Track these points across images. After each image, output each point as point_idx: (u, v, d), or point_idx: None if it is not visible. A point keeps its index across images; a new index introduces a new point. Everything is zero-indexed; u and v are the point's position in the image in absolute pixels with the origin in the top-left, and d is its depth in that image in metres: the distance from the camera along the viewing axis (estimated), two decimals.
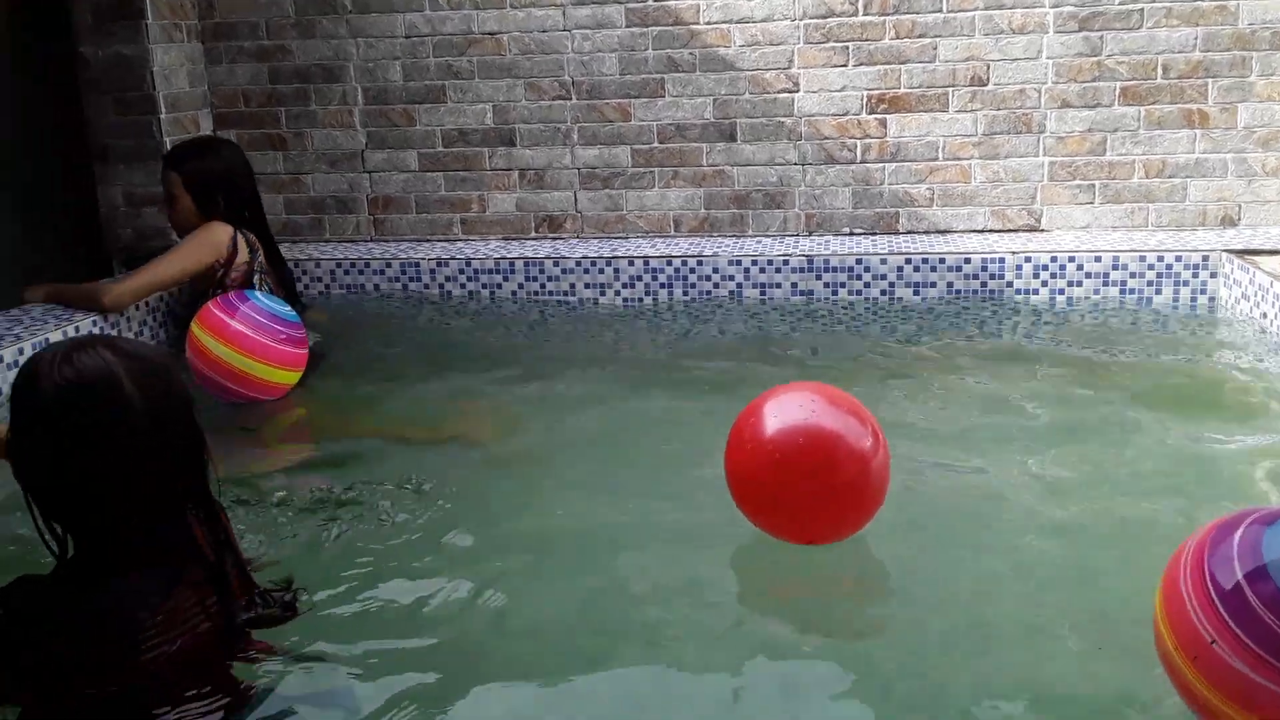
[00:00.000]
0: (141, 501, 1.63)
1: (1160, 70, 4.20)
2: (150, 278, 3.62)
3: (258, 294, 3.25)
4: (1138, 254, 4.04)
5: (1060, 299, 4.07)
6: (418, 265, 4.48)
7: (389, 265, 4.50)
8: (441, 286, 4.47)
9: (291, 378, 3.24)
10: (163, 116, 4.45)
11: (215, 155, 3.72)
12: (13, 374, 3.19)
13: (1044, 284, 4.10)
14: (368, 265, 4.52)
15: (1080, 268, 4.08)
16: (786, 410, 2.14)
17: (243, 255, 3.63)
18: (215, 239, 3.61)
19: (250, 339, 3.15)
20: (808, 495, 2.11)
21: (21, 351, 3.33)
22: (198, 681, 1.68)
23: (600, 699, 1.95)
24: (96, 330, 3.65)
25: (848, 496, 2.14)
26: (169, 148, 4.42)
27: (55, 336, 3.48)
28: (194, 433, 1.70)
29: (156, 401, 1.62)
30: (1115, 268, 4.05)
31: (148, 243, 4.53)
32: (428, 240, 4.75)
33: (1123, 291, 4.06)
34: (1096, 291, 4.06)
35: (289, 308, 3.29)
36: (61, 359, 1.60)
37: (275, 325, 3.20)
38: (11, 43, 4.09)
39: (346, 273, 4.52)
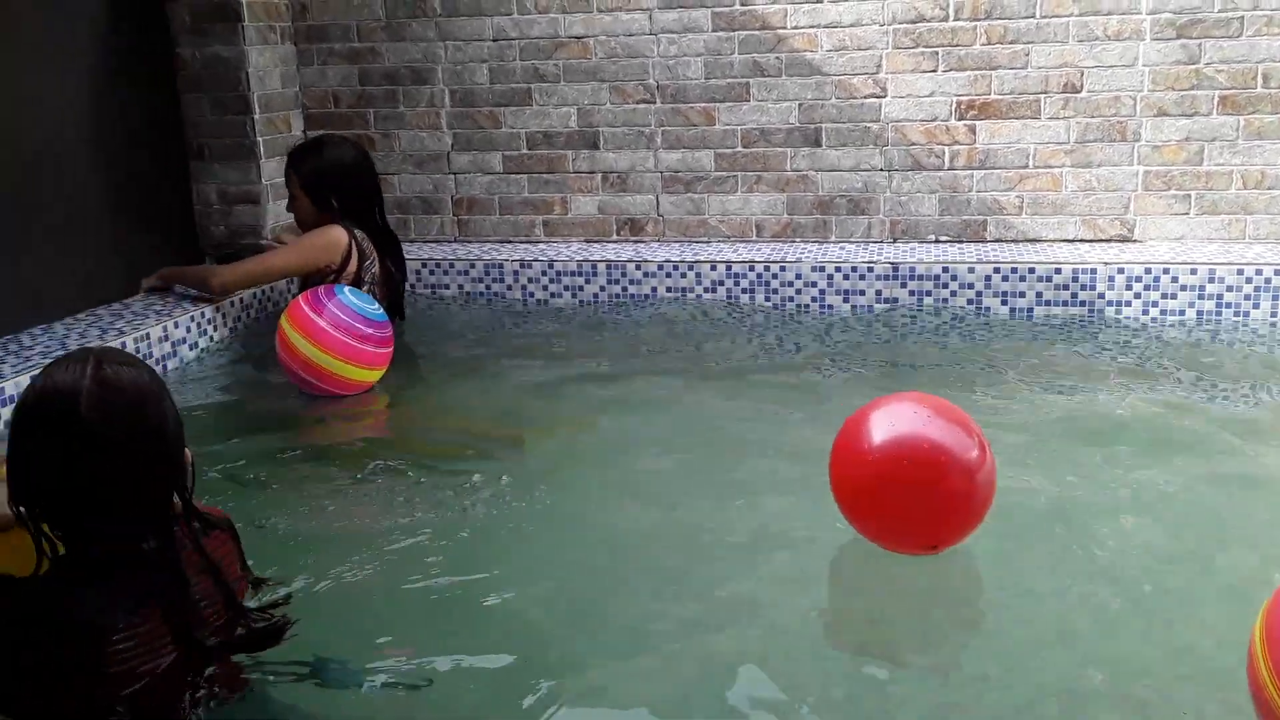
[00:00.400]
0: (119, 510, 1.67)
1: (1260, 79, 4.10)
2: (260, 268, 3.72)
3: (346, 291, 3.30)
4: (1235, 267, 3.95)
5: (1153, 312, 3.99)
6: (501, 266, 4.53)
7: (473, 266, 4.55)
8: (524, 288, 4.51)
9: (372, 376, 3.29)
10: (256, 116, 4.54)
11: (330, 154, 3.76)
12: None
13: (1136, 296, 4.02)
14: (452, 266, 4.57)
15: (1175, 280, 4.00)
16: (897, 419, 2.16)
17: (353, 264, 3.66)
18: (331, 242, 3.65)
19: (333, 337, 3.20)
20: (916, 505, 2.12)
21: (124, 345, 3.43)
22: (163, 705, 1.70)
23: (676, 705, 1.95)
24: (193, 324, 3.74)
25: (955, 507, 2.13)
26: (261, 146, 4.53)
27: (155, 331, 3.58)
28: (167, 454, 1.72)
29: (119, 424, 1.64)
30: (1211, 280, 3.96)
31: (240, 239, 4.63)
32: (510, 242, 4.80)
33: (1219, 305, 3.96)
34: (1191, 305, 3.97)
35: (376, 307, 3.33)
36: (44, 373, 1.67)
37: (359, 325, 3.25)
38: (113, 44, 4.20)
39: (431, 273, 4.58)
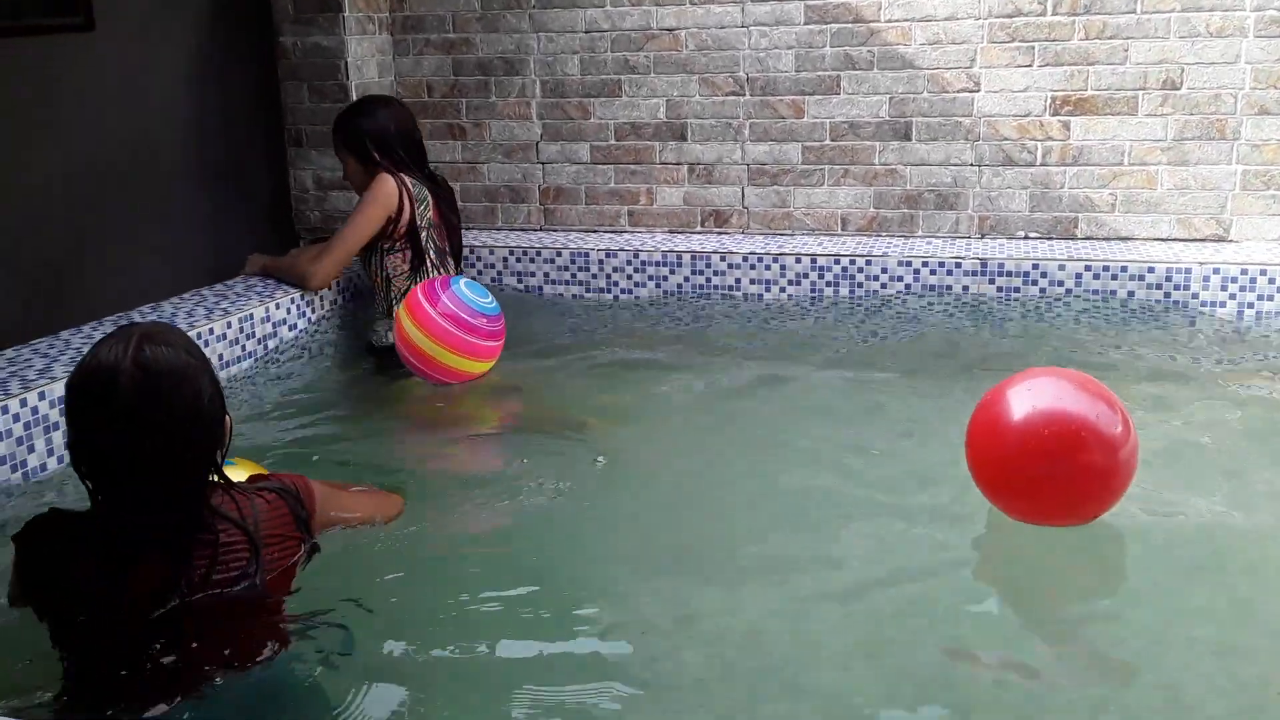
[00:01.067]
0: (155, 477, 1.80)
1: None
2: (342, 251, 3.78)
3: (461, 284, 3.36)
4: None
5: (1249, 313, 3.92)
6: (586, 255, 4.58)
7: (559, 254, 4.61)
8: (609, 277, 4.56)
9: (482, 367, 3.37)
10: None
11: (368, 111, 3.83)
12: (225, 345, 3.42)
13: (1232, 297, 3.96)
14: (539, 254, 4.64)
15: (1272, 281, 3.92)
16: (1040, 392, 2.25)
17: (407, 209, 3.72)
18: (385, 192, 3.70)
19: (443, 329, 3.28)
20: (1063, 476, 2.21)
21: (229, 325, 3.55)
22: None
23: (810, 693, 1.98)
24: (293, 306, 3.86)
25: (1100, 478, 2.23)
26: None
27: (259, 312, 3.69)
28: (203, 428, 1.83)
29: (155, 403, 1.75)
30: None
31: (333, 224, 4.75)
32: (595, 231, 4.86)
33: None
34: None
35: (489, 300, 3.39)
36: (91, 350, 1.81)
37: (470, 318, 3.31)
38: (217, 32, 4.33)
39: (518, 260, 4.65)
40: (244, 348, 3.61)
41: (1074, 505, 2.29)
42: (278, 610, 1.95)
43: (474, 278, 4.43)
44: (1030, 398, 2.26)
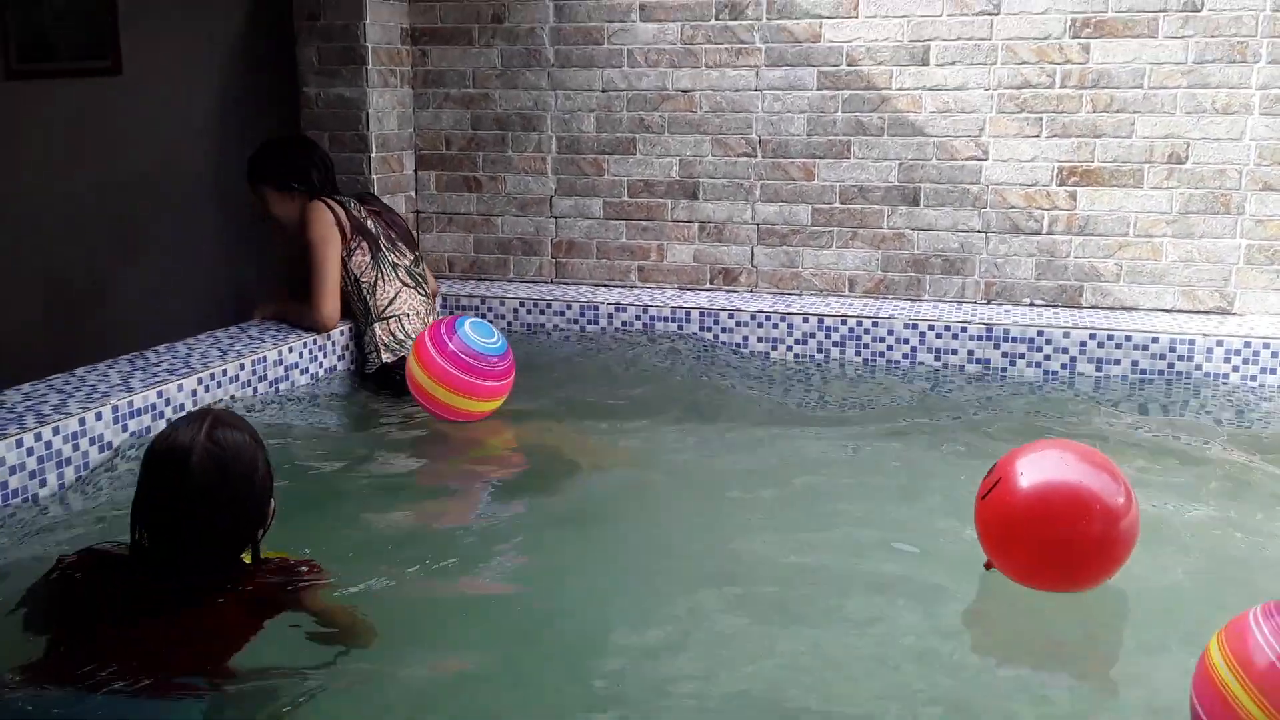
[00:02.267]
0: (205, 547, 2.00)
1: None
2: (331, 286, 3.94)
3: (466, 326, 3.42)
4: None
5: (1253, 385, 3.95)
6: (596, 309, 4.64)
7: (569, 307, 4.67)
8: (618, 330, 4.61)
9: (489, 406, 3.41)
10: (372, 155, 4.75)
11: (265, 145, 4.07)
12: (238, 387, 3.47)
13: (1235, 369, 3.99)
14: (549, 305, 4.70)
15: (1275, 355, 3.95)
16: (1045, 464, 2.31)
17: (347, 220, 3.96)
18: (324, 220, 3.94)
19: (448, 373, 3.35)
20: (1065, 545, 2.26)
21: (242, 367, 3.60)
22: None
23: None
24: (305, 350, 3.91)
25: (1101, 549, 2.27)
26: (374, 184, 4.72)
27: (271, 355, 3.74)
28: (258, 507, 2.02)
29: (224, 481, 1.96)
30: None
31: None
32: (605, 285, 4.92)
33: None
34: None
35: (495, 340, 3.43)
36: (170, 426, 2.05)
37: (473, 360, 3.37)
38: (245, 80, 4.44)
39: (529, 311, 4.71)
40: (255, 390, 3.65)
41: (1076, 573, 2.32)
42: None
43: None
44: (1038, 470, 2.31)
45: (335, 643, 2.08)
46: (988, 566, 2.41)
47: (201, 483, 1.93)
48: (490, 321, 4.66)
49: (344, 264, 3.97)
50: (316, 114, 4.76)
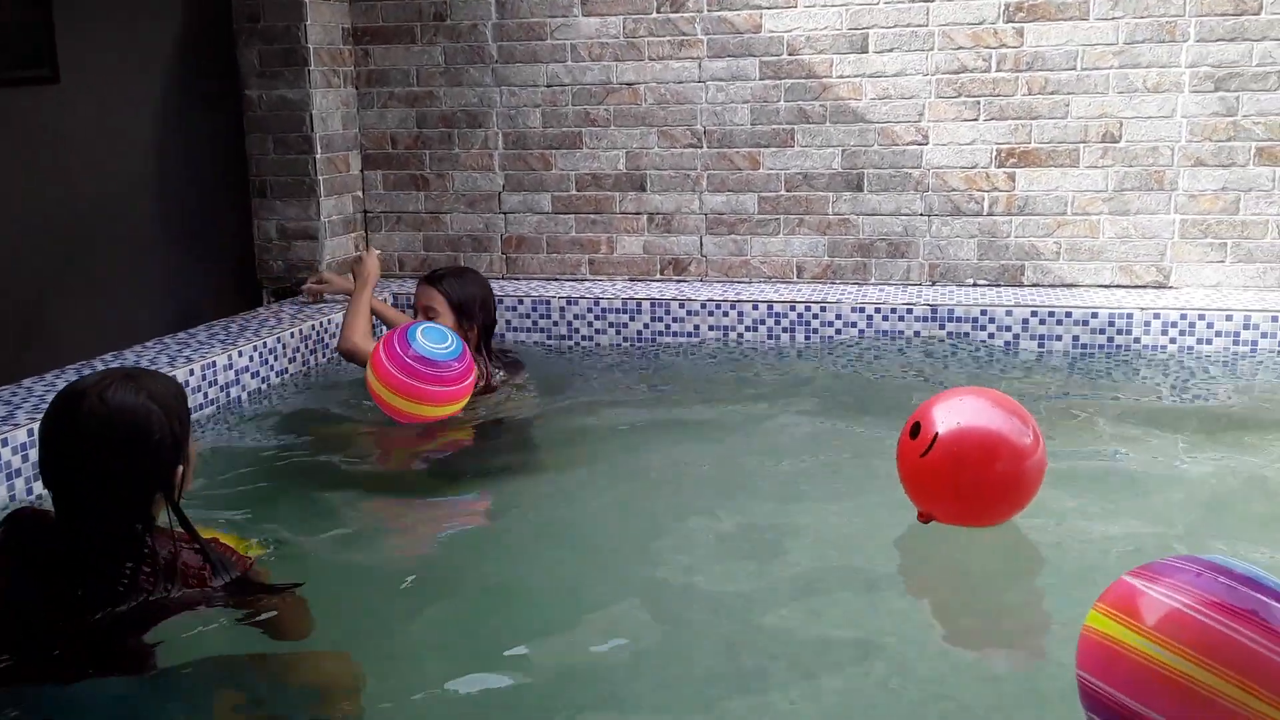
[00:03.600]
0: (94, 502, 1.99)
1: None
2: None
3: (418, 333, 3.40)
4: (1270, 314, 4.01)
5: (1189, 357, 4.06)
6: (548, 303, 4.66)
7: (521, 302, 4.68)
8: (570, 324, 4.63)
9: (445, 410, 3.41)
10: (317, 156, 4.73)
11: (474, 281, 3.88)
12: (188, 393, 3.45)
13: (1172, 341, 4.10)
14: (501, 301, 4.69)
15: (1210, 326, 4.06)
16: (970, 412, 2.49)
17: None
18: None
19: (403, 382, 3.32)
20: (974, 483, 2.44)
21: (192, 373, 3.58)
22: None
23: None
24: (256, 354, 3.90)
25: (1010, 485, 2.47)
26: (321, 185, 4.71)
27: (221, 360, 3.73)
28: (150, 469, 2.00)
29: (104, 432, 1.95)
30: (1246, 327, 4.03)
31: (296, 274, 4.81)
32: (556, 279, 4.94)
33: (1253, 351, 4.02)
34: (1227, 350, 4.03)
35: (447, 346, 3.40)
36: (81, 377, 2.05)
37: (424, 367, 3.35)
38: (184, 85, 4.41)
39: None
40: (206, 395, 3.64)
41: (1011, 507, 2.52)
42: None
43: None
44: (953, 414, 2.48)
45: (267, 629, 2.09)
46: (925, 520, 2.52)
47: (86, 430, 1.93)
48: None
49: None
50: (259, 116, 4.74)
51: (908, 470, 2.53)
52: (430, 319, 3.71)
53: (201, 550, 2.07)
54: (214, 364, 3.70)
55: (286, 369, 4.06)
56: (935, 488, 2.49)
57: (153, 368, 3.45)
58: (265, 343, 3.97)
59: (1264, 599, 1.57)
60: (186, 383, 3.56)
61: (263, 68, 4.69)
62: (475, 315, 3.80)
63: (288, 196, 4.78)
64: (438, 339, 3.41)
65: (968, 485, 2.45)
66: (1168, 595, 1.61)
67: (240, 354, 3.84)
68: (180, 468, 2.04)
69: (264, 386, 3.92)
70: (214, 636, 2.06)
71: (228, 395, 3.74)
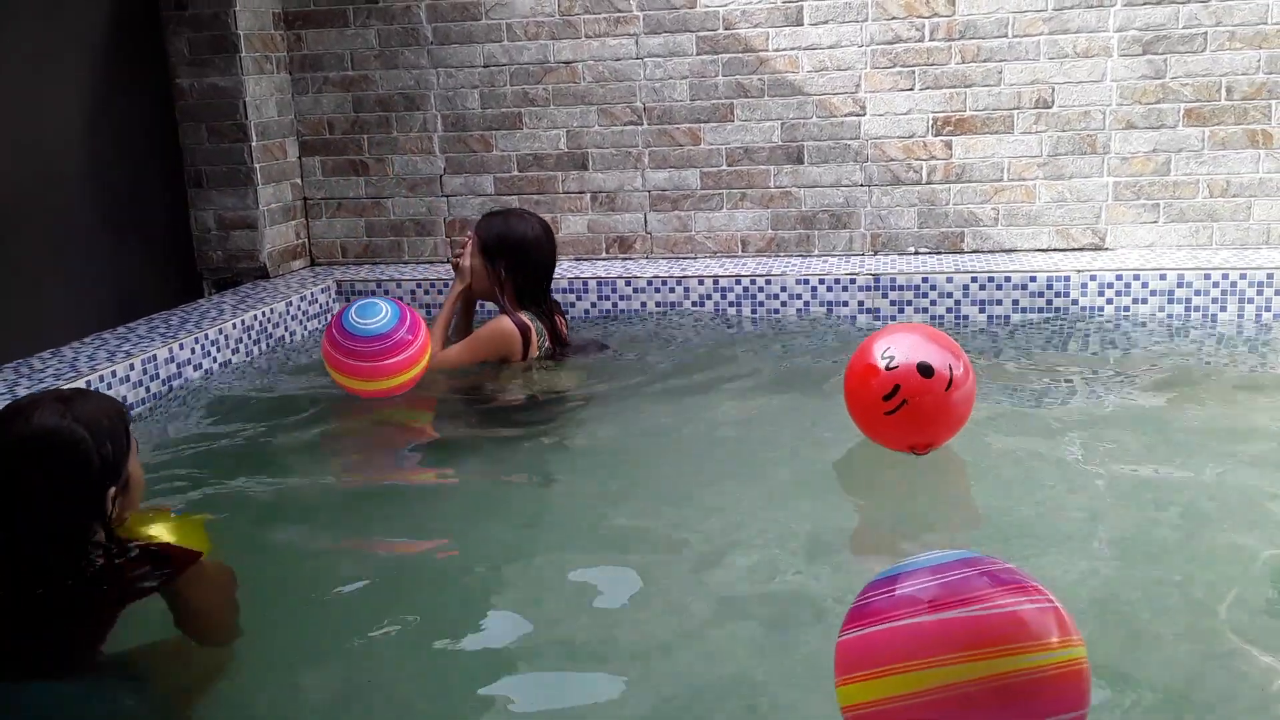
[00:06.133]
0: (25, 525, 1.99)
1: (1224, 92, 4.27)
2: (454, 359, 3.66)
3: (351, 315, 3.40)
4: (1202, 271, 4.10)
5: (1125, 316, 4.14)
6: None
7: None
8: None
9: (398, 381, 3.40)
10: (253, 144, 4.67)
11: (515, 226, 3.71)
12: (129, 388, 3.39)
13: (1109, 301, 4.17)
14: (446, 285, 4.68)
15: (1145, 285, 4.15)
16: (900, 341, 2.73)
17: (519, 350, 3.65)
18: (503, 339, 3.63)
19: (348, 365, 3.36)
20: (864, 410, 2.71)
21: (132, 368, 3.53)
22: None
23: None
24: (197, 346, 3.85)
25: (943, 410, 2.68)
26: (257, 173, 4.64)
27: (161, 353, 3.68)
28: (80, 493, 2.00)
29: (31, 458, 1.96)
30: (1180, 285, 4.11)
31: (237, 264, 4.75)
32: None
33: (1187, 309, 4.12)
34: (1161, 309, 4.12)
35: (382, 319, 3.38)
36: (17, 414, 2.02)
37: (365, 346, 3.35)
38: (112, 75, 4.32)
39: (426, 293, 4.69)
40: (148, 389, 3.59)
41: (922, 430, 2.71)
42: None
43: None
44: (939, 353, 2.70)
45: (191, 633, 2.07)
46: (925, 451, 2.74)
47: (12, 452, 1.96)
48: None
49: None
50: (191, 105, 4.66)
51: (936, 407, 2.67)
52: (456, 257, 3.78)
53: (140, 554, 2.05)
54: (155, 358, 3.64)
55: (230, 360, 4.01)
56: (955, 418, 2.71)
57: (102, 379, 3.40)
58: (208, 334, 3.92)
59: (912, 584, 1.54)
60: (127, 377, 3.51)
61: (192, 56, 4.60)
62: (499, 259, 3.63)
63: (224, 186, 4.71)
64: (369, 314, 3.40)
65: (968, 411, 2.75)
66: (862, 631, 1.55)
67: (181, 346, 3.78)
68: (112, 490, 2.03)
69: (206, 378, 3.87)
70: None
71: (169, 388, 3.69)
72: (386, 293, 4.69)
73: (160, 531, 2.18)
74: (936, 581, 1.53)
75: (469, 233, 3.81)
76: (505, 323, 3.67)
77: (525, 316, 3.69)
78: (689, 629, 2.20)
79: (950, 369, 2.66)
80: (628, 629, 2.23)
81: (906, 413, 2.64)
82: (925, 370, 2.65)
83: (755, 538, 2.54)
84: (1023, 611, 1.48)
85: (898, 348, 2.69)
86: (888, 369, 2.66)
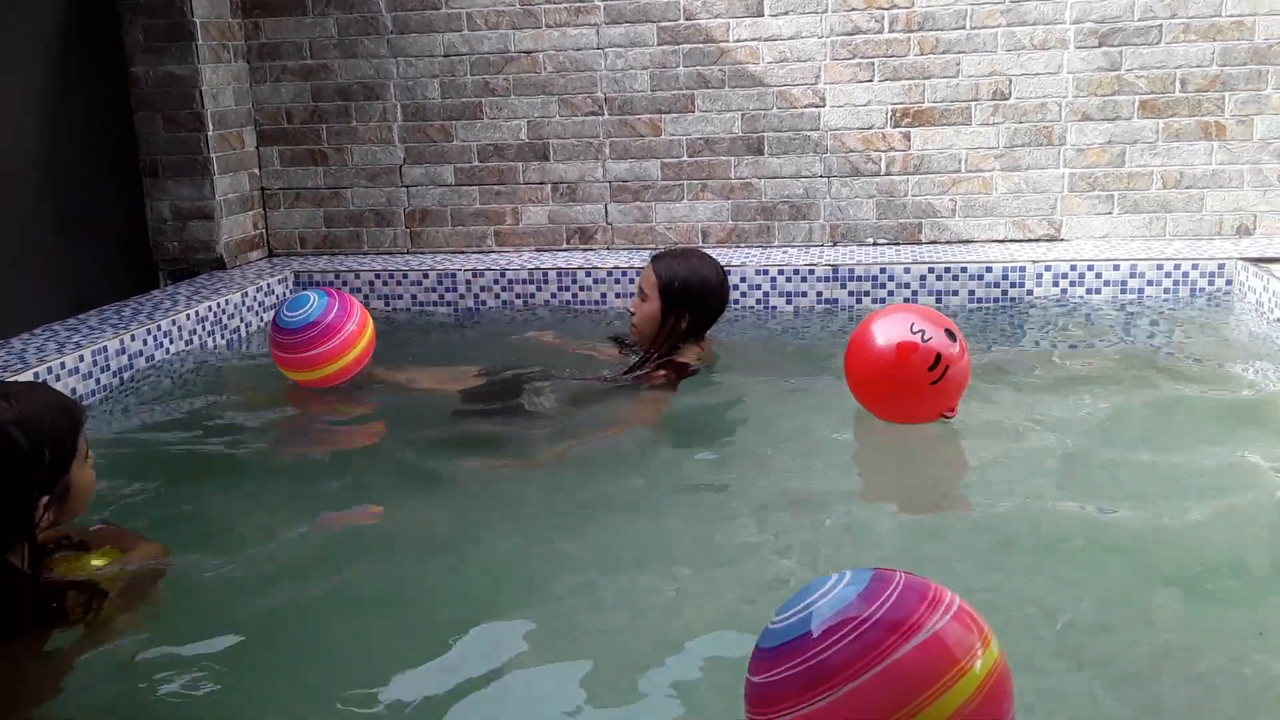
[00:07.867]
0: None
1: (1179, 84, 4.31)
2: (655, 421, 3.26)
3: (283, 311, 3.40)
4: (1155, 262, 4.15)
5: (1080, 304, 4.18)
6: (454, 276, 4.62)
7: (426, 276, 4.64)
8: (476, 296, 4.61)
9: (338, 365, 3.37)
10: (210, 133, 4.62)
11: (698, 268, 3.44)
12: (78, 379, 3.34)
13: (1063, 292, 4.21)
14: (405, 276, 4.66)
15: (1099, 276, 4.19)
16: (912, 316, 2.81)
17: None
18: (663, 409, 3.27)
19: (289, 359, 3.39)
20: (908, 386, 2.76)
21: (82, 359, 3.49)
22: None
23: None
24: (149, 337, 3.81)
25: (966, 370, 2.81)
26: (214, 163, 4.60)
27: (112, 345, 3.64)
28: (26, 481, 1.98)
29: None
30: (1133, 275, 4.16)
31: (193, 255, 4.71)
32: (462, 252, 4.90)
33: (1140, 299, 4.16)
34: (1115, 299, 4.16)
35: (308, 308, 3.34)
36: None
37: (296, 338, 3.33)
38: (67, 63, 4.26)
39: (385, 284, 4.67)
40: (98, 381, 3.55)
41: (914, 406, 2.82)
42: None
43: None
44: (941, 322, 2.80)
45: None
46: (954, 414, 2.86)
47: None
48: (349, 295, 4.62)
49: None
50: (147, 93, 4.60)
51: (965, 368, 2.79)
52: (643, 300, 3.42)
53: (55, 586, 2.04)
54: (105, 349, 3.60)
55: (183, 350, 3.97)
56: (968, 375, 2.84)
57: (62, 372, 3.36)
58: (160, 326, 3.88)
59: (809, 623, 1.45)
60: (76, 370, 3.47)
61: (148, 44, 4.55)
62: (680, 302, 3.35)
63: (180, 176, 4.67)
64: (296, 306, 3.40)
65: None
66: (764, 678, 1.46)
67: (133, 338, 3.74)
68: (45, 498, 1.99)
69: (157, 369, 3.83)
70: None
71: (120, 381, 3.65)
72: (345, 284, 4.66)
73: (88, 561, 2.15)
74: (828, 648, 1.40)
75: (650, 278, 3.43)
76: (668, 397, 3.30)
77: (683, 360, 3.41)
78: (689, 629, 2.20)
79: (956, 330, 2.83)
80: (629, 629, 2.22)
81: (948, 379, 2.76)
82: (951, 335, 2.79)
83: (757, 538, 2.54)
84: (930, 643, 1.37)
85: (918, 322, 2.77)
86: (924, 341, 2.74)
